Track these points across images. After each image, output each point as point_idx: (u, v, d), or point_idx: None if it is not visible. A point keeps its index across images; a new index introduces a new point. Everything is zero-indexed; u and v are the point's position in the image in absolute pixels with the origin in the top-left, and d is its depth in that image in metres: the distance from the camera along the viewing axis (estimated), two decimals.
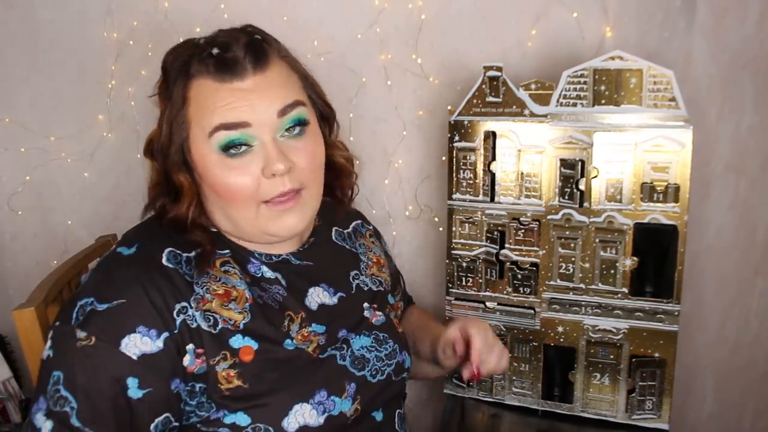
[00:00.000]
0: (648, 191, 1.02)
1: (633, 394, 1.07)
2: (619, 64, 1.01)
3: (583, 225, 1.05)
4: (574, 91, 1.03)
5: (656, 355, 1.05)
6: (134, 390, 0.73)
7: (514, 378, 1.14)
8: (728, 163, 1.26)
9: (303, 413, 0.80)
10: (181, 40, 0.86)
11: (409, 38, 1.28)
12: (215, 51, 0.80)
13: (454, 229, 1.13)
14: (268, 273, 0.85)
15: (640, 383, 1.06)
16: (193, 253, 0.81)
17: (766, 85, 1.22)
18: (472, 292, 1.14)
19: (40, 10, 1.37)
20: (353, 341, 0.89)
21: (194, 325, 0.77)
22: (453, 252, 1.14)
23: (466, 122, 1.09)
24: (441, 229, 1.36)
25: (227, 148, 0.79)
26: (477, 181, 1.10)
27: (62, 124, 1.41)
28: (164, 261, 0.78)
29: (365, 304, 0.94)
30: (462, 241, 1.13)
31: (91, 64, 1.38)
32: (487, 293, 1.13)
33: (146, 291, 0.75)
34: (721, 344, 1.35)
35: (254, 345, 0.80)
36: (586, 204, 1.05)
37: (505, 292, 1.12)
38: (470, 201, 1.11)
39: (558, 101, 1.05)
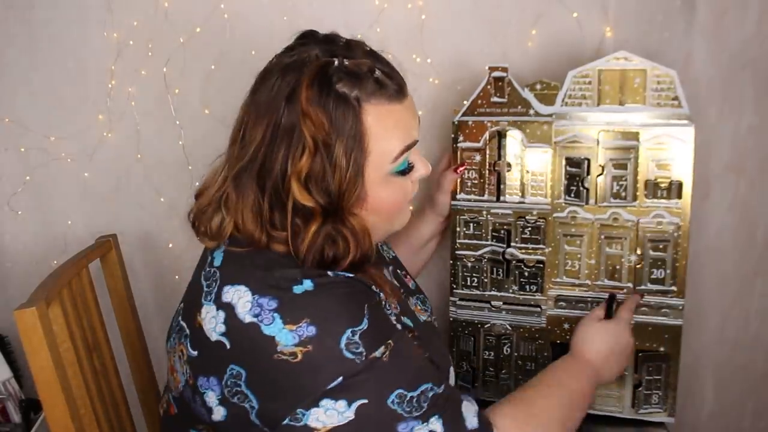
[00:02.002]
0: (652, 188, 1.03)
1: (639, 389, 1.08)
2: (624, 65, 1.03)
3: (589, 222, 1.07)
4: (579, 90, 1.05)
5: (661, 349, 1.07)
6: None
7: (520, 377, 1.14)
8: (728, 163, 1.26)
9: (452, 375, 0.90)
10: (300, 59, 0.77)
11: (409, 38, 1.28)
12: (378, 73, 0.77)
13: (458, 229, 1.13)
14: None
15: (647, 377, 1.07)
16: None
17: (766, 85, 1.22)
18: (477, 292, 1.14)
19: (40, 10, 1.36)
20: (413, 306, 0.97)
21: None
22: (457, 252, 1.14)
23: (470, 122, 1.10)
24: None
25: (405, 171, 0.82)
26: (482, 181, 1.11)
27: (62, 124, 1.41)
28: (334, 276, 0.77)
29: (399, 271, 1.02)
30: (466, 241, 1.13)
31: (91, 64, 1.37)
32: (493, 292, 1.13)
33: (363, 290, 0.78)
34: (721, 344, 1.35)
35: (410, 323, 0.86)
36: (591, 201, 1.06)
37: (511, 290, 1.12)
38: (475, 201, 1.12)
39: (563, 101, 1.06)
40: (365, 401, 0.71)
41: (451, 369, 0.92)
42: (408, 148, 0.80)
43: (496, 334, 1.14)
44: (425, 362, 0.79)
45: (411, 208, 0.91)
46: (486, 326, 1.14)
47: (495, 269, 1.13)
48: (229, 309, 0.74)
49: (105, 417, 1.06)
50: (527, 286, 1.11)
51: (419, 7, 1.27)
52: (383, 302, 0.81)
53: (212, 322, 0.75)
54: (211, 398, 0.76)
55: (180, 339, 0.81)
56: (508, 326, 1.13)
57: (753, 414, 1.37)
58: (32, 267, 1.47)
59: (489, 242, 1.12)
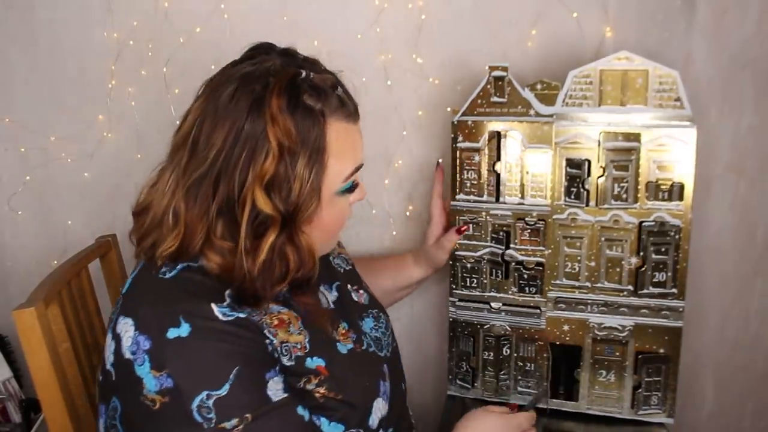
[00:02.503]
0: (653, 190, 1.03)
1: (639, 390, 1.08)
2: (626, 65, 1.02)
3: (589, 224, 1.06)
4: (580, 91, 1.04)
5: (661, 351, 1.07)
6: (306, 413, 0.76)
7: (519, 378, 1.14)
8: (728, 164, 1.26)
9: (378, 407, 0.84)
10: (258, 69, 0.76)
11: (409, 38, 1.28)
12: (340, 90, 0.79)
13: None
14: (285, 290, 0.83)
15: (646, 379, 1.07)
16: (228, 301, 0.75)
17: (766, 85, 1.22)
18: (477, 293, 1.14)
19: (40, 9, 1.36)
20: (363, 326, 0.92)
21: (279, 360, 0.77)
22: (456, 253, 1.14)
23: (469, 122, 1.09)
24: None
25: (350, 190, 0.83)
26: (481, 181, 1.10)
27: (62, 124, 1.41)
28: (222, 317, 0.73)
29: (348, 287, 0.97)
30: (465, 241, 1.13)
31: (91, 64, 1.37)
32: (492, 294, 1.13)
33: (243, 348, 0.73)
34: (721, 344, 1.35)
35: (322, 362, 0.80)
36: (592, 203, 1.06)
37: (510, 292, 1.12)
38: (474, 201, 1.11)
39: (564, 101, 1.05)
40: None
41: (378, 402, 0.85)
42: (357, 169, 0.83)
43: (495, 335, 1.14)
44: None
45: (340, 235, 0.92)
46: (485, 327, 1.14)
47: (494, 270, 1.12)
48: (117, 340, 0.73)
49: None
50: (527, 288, 1.11)
51: (419, 7, 1.27)
52: (277, 352, 0.76)
53: (108, 351, 0.75)
54: (100, 426, 0.77)
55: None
56: (507, 327, 1.13)
57: (753, 414, 1.37)
58: (32, 267, 1.47)
59: (488, 243, 1.12)
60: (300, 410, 0.76)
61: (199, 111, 0.77)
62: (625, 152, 1.03)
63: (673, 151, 1.02)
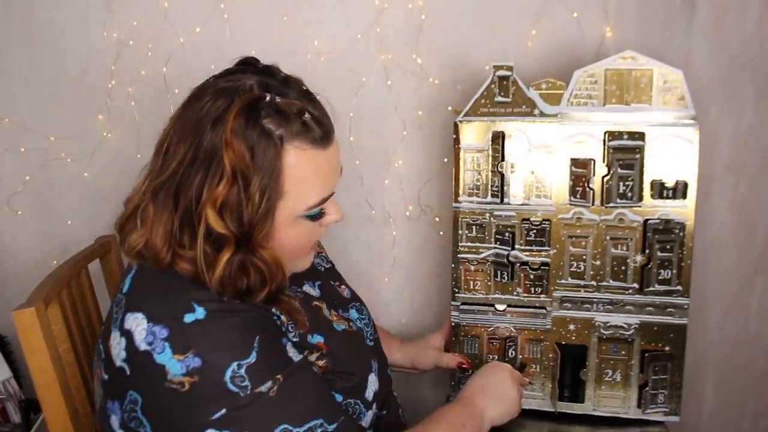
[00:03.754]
0: (658, 188, 1.04)
1: (646, 389, 1.08)
2: (631, 64, 1.02)
3: (594, 223, 1.06)
4: (585, 90, 1.04)
5: (666, 348, 1.07)
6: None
7: (525, 378, 1.13)
8: (728, 163, 1.26)
9: (372, 381, 0.89)
10: (213, 80, 0.79)
11: (409, 38, 1.28)
12: (308, 115, 0.77)
13: (460, 232, 1.11)
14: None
15: (653, 377, 1.07)
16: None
17: (766, 85, 1.22)
18: (480, 296, 1.13)
19: (40, 10, 1.36)
20: (350, 315, 0.98)
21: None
22: (459, 256, 1.12)
23: (473, 123, 1.09)
24: (441, 233, 1.36)
25: (316, 216, 0.82)
26: (485, 182, 1.10)
27: (62, 124, 1.41)
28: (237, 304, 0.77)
29: (330, 283, 1.02)
30: (469, 244, 1.11)
31: (91, 64, 1.37)
32: (497, 295, 1.12)
33: (257, 320, 0.77)
34: (721, 343, 1.35)
35: (321, 339, 0.85)
36: (597, 202, 1.06)
37: (515, 293, 1.11)
38: (477, 203, 1.10)
39: (569, 101, 1.05)
40: None
41: (371, 376, 0.90)
42: (325, 200, 0.81)
43: (500, 337, 1.13)
44: (321, 397, 0.79)
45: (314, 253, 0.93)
46: (490, 329, 1.14)
47: (499, 272, 1.12)
48: (128, 336, 0.74)
49: None
50: (532, 289, 1.10)
51: (419, 7, 1.27)
52: (284, 327, 0.81)
53: (116, 349, 0.75)
54: (114, 422, 0.77)
55: (98, 361, 0.81)
56: (512, 329, 1.13)
57: (753, 414, 1.37)
58: (32, 267, 1.47)
59: (492, 245, 1.11)
60: (315, 369, 0.81)
61: (174, 120, 0.79)
62: (629, 151, 1.04)
63: (677, 150, 1.03)
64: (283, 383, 0.74)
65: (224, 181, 0.73)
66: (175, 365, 0.71)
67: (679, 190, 1.03)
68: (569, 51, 1.24)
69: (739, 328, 1.34)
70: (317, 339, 0.85)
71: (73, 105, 1.40)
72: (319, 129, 0.78)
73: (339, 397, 0.83)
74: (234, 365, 0.72)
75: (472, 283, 1.13)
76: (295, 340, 0.81)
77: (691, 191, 1.03)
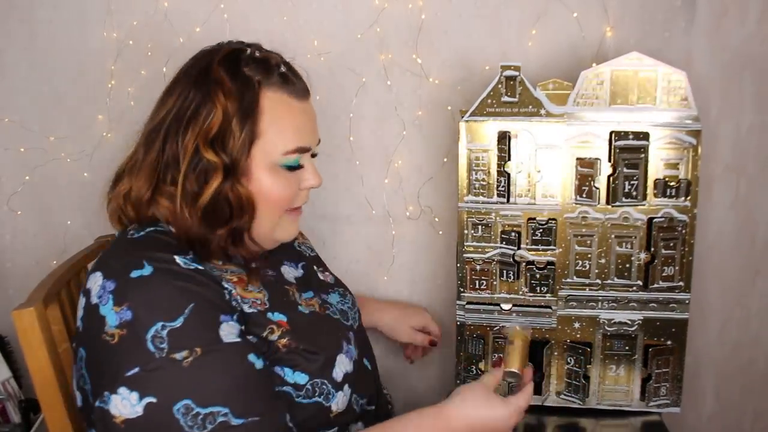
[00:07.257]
0: (662, 187, 1.05)
1: (649, 382, 1.10)
2: (636, 65, 1.04)
3: (599, 222, 1.08)
4: (591, 90, 1.05)
5: (669, 342, 1.09)
6: (259, 362, 0.78)
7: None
8: (728, 163, 1.26)
9: (342, 362, 0.88)
10: (213, 46, 0.88)
11: (409, 38, 1.28)
12: (284, 68, 0.86)
13: (466, 231, 1.11)
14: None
15: (656, 371, 1.10)
16: (191, 255, 0.81)
17: (766, 85, 1.22)
18: (486, 295, 1.13)
19: (40, 10, 1.36)
20: (329, 299, 0.98)
21: (239, 308, 0.82)
22: (465, 255, 1.12)
23: (478, 123, 1.09)
24: (441, 232, 1.36)
25: (293, 168, 0.87)
26: (490, 182, 1.10)
27: (62, 124, 1.41)
28: (183, 265, 0.78)
29: (314, 267, 1.04)
30: (474, 243, 1.12)
31: (91, 64, 1.37)
32: (502, 295, 1.12)
33: (201, 290, 0.77)
34: (721, 344, 1.35)
35: (284, 318, 0.85)
36: (602, 201, 1.07)
37: (521, 292, 1.12)
38: (483, 203, 1.11)
39: (575, 101, 1.06)
40: (153, 400, 0.71)
41: (341, 356, 0.88)
42: (301, 150, 0.87)
43: (505, 337, 1.13)
44: (238, 387, 0.74)
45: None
46: (495, 329, 1.14)
47: (505, 272, 1.12)
48: (87, 294, 0.78)
49: None
50: (538, 288, 1.11)
51: (419, 7, 1.27)
52: (233, 301, 0.81)
53: (79, 310, 0.80)
54: (73, 385, 0.81)
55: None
56: (518, 328, 1.13)
57: (753, 414, 1.37)
58: (32, 267, 1.47)
59: (498, 244, 1.11)
60: (252, 358, 0.77)
61: (167, 86, 0.89)
62: (634, 151, 1.05)
63: (680, 150, 1.05)
64: (199, 357, 0.72)
65: (213, 116, 0.81)
66: (112, 316, 0.73)
67: (682, 189, 1.05)
68: (569, 51, 1.24)
69: (739, 328, 1.34)
70: (279, 317, 0.85)
71: (73, 105, 1.40)
72: (296, 81, 0.86)
73: (305, 378, 0.83)
74: (158, 325, 0.72)
75: (477, 282, 1.13)
76: (251, 311, 0.82)
77: (694, 189, 1.05)
